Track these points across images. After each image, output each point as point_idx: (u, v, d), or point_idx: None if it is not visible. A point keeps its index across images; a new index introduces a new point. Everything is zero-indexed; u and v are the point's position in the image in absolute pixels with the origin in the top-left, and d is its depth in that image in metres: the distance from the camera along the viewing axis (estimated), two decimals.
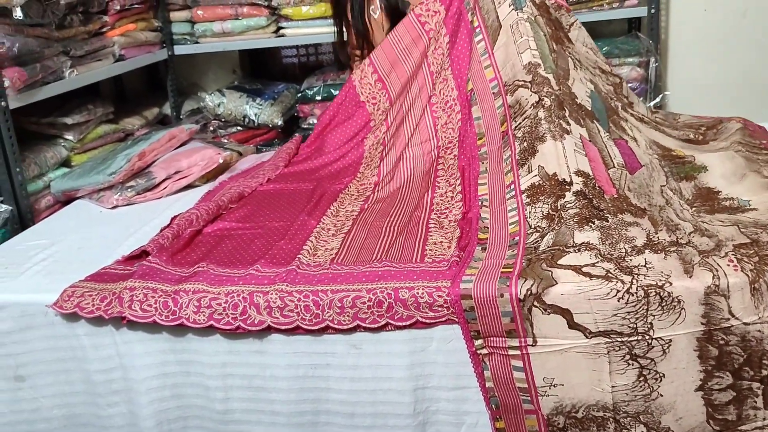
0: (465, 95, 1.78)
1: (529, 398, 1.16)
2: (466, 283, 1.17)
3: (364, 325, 1.21)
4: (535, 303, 1.12)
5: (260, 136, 2.85)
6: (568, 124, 1.41)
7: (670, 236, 1.21)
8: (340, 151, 1.99)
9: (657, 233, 1.22)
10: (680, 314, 1.10)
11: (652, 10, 2.53)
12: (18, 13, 1.81)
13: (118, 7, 2.40)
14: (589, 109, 1.51)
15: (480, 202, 1.48)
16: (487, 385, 1.20)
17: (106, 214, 1.83)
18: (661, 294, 1.09)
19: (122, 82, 2.87)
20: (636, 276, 1.12)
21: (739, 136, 1.68)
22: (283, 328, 1.23)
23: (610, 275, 1.12)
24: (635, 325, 1.10)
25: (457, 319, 1.18)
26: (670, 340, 1.10)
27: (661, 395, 1.12)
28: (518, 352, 1.14)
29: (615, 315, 1.10)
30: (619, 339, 1.10)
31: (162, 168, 1.97)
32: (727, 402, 1.12)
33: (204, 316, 1.25)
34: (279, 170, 1.96)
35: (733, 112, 2.68)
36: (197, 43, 2.82)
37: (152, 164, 2.01)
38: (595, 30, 2.79)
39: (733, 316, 1.09)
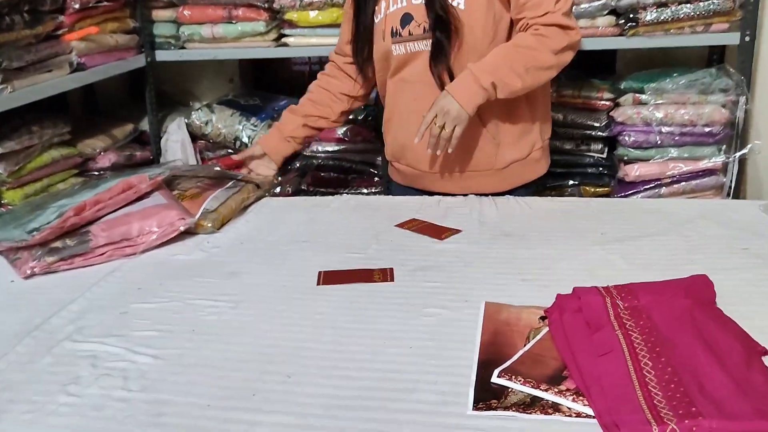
0: None
1: None
2: None
3: None
4: None
5: None
6: None
7: None
8: None
9: None
10: None
11: (746, 38, 2.00)
12: None
13: (78, 6, 1.94)
14: None
15: None
16: None
17: (16, 287, 1.39)
18: None
19: (95, 94, 2.43)
20: None
21: None
22: None
23: None
24: None
25: None
26: None
27: None
28: None
29: None
30: None
31: (103, 230, 1.51)
32: None
33: None
34: None
35: None
36: (183, 48, 2.37)
37: (95, 222, 1.55)
38: (668, 55, 2.28)
39: None
